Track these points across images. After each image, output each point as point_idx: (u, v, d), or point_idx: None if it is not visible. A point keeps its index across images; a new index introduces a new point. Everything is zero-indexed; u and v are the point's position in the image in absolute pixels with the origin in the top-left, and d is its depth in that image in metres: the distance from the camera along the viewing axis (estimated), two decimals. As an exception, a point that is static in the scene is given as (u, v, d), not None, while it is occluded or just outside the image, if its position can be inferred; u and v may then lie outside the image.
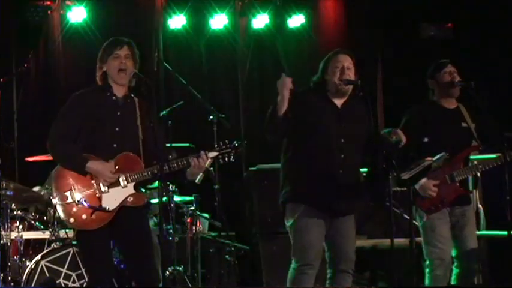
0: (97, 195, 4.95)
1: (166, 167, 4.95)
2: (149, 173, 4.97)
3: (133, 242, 5.04)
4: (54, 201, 4.97)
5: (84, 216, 4.93)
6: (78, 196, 4.93)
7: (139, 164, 5.01)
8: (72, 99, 5.09)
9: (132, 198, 4.99)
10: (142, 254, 5.03)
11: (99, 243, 5.01)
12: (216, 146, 5.12)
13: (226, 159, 5.12)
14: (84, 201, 4.92)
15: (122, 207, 4.97)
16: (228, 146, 5.12)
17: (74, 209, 4.93)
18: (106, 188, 4.95)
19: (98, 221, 4.94)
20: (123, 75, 5.03)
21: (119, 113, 5.05)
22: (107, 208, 4.93)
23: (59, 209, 5.00)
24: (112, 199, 4.95)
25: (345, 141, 5.24)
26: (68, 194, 4.94)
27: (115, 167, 4.96)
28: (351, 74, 5.25)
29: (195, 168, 5.04)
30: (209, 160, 5.09)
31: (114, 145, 5.00)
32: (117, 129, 5.01)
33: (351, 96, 5.32)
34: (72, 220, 4.95)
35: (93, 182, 4.96)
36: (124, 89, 5.10)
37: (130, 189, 4.98)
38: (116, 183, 4.97)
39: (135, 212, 5.02)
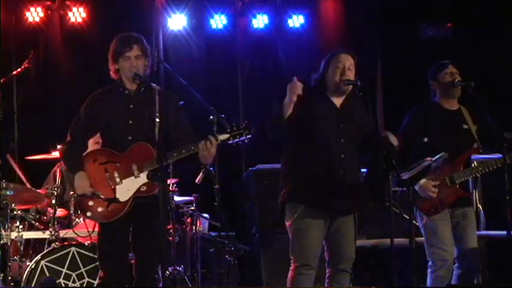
0: (111, 187, 5.03)
1: (176, 154, 5.00)
2: (159, 162, 4.96)
3: (141, 237, 5.09)
4: (71, 196, 5.03)
5: (100, 209, 5.02)
6: (93, 189, 5.01)
7: (151, 153, 5.04)
8: (87, 101, 5.22)
9: (145, 187, 5.05)
10: (146, 249, 5.07)
11: (119, 236, 5.08)
12: (227, 129, 5.12)
13: (240, 142, 5.12)
14: (99, 194, 5.00)
15: (139, 199, 5.03)
16: (240, 127, 5.11)
17: (90, 203, 5.03)
18: (119, 180, 5.04)
19: (114, 213, 5.02)
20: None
21: (131, 106, 5.14)
22: (118, 199, 5.00)
23: (77, 204, 5.13)
24: (125, 190, 5.03)
25: (344, 141, 5.23)
26: None
27: (128, 157, 5.04)
28: (351, 75, 5.25)
29: (204, 151, 5.03)
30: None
31: (129, 137, 5.09)
32: (130, 122, 5.11)
33: (350, 95, 5.32)
34: (89, 214, 5.06)
35: (107, 174, 5.05)
36: (136, 82, 5.15)
37: (143, 178, 5.04)
38: (129, 174, 5.04)
39: (150, 206, 5.01)
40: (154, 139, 4.96)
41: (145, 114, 5.04)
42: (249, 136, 5.10)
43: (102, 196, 5.00)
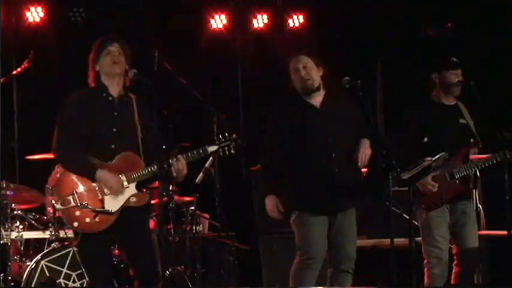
0: (99, 197, 4.93)
1: (166, 166, 4.94)
2: (149, 170, 4.96)
3: (135, 242, 5.04)
4: (57, 206, 4.95)
5: (87, 220, 4.91)
6: (80, 200, 4.92)
7: (140, 163, 5.00)
8: (69, 102, 5.07)
9: (134, 198, 4.99)
10: (143, 252, 5.03)
11: (102, 247, 5.02)
12: (215, 140, 5.13)
13: (227, 152, 5.14)
14: (87, 204, 4.91)
15: (124, 208, 4.96)
16: (227, 138, 5.13)
17: (77, 213, 4.92)
18: (107, 190, 4.94)
19: (101, 224, 4.93)
20: (117, 66, 5.02)
21: (116, 114, 5.04)
22: (110, 210, 4.92)
23: (62, 214, 4.98)
24: (114, 200, 4.94)
25: (332, 139, 5.26)
26: (70, 198, 4.92)
27: (116, 168, 4.95)
28: (310, 72, 5.27)
29: (176, 171, 5.02)
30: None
31: (112, 146, 4.98)
32: (114, 129, 5.00)
33: (328, 93, 5.34)
34: (76, 224, 4.93)
35: (94, 184, 4.94)
36: (119, 88, 5.08)
37: (132, 189, 4.98)
38: None
39: (136, 213, 5.02)
40: (144, 148, 4.98)
41: (129, 123, 5.01)
42: (233, 151, 5.15)
43: (90, 207, 4.90)
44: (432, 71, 5.82)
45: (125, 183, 4.96)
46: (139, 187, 5.00)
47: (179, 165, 4.99)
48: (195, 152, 5.08)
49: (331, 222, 5.27)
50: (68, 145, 4.97)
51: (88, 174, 4.92)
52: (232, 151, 5.16)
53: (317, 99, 5.33)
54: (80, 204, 4.91)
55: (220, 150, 5.14)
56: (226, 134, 5.16)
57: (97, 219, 4.92)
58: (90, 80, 5.10)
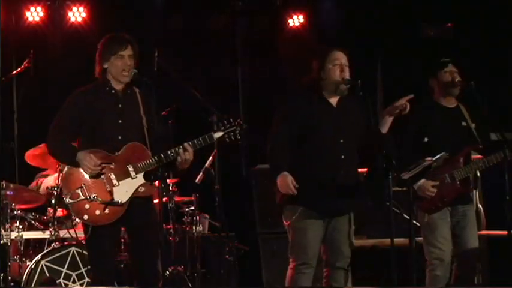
0: (108, 189, 4.97)
1: (172, 154, 4.98)
2: (156, 160, 4.97)
3: (139, 237, 5.07)
4: (65, 200, 4.96)
5: (97, 212, 4.95)
6: (89, 192, 4.94)
7: (146, 152, 5.03)
8: (72, 96, 5.16)
9: (143, 188, 5.02)
10: (144, 251, 5.05)
11: (110, 243, 5.06)
12: (220, 126, 5.11)
13: (233, 137, 5.12)
14: (96, 197, 4.93)
15: (133, 199, 4.98)
16: (232, 124, 5.11)
17: (87, 206, 4.95)
18: (116, 182, 4.97)
19: (111, 215, 4.96)
20: (126, 74, 5.07)
21: (120, 105, 5.10)
22: (120, 201, 4.94)
23: (72, 208, 5.01)
24: (123, 191, 4.97)
25: (343, 141, 5.24)
26: (78, 191, 4.96)
27: (123, 158, 4.98)
28: (347, 72, 5.26)
29: (182, 159, 5.03)
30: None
31: (119, 137, 5.04)
32: (120, 121, 5.06)
33: (344, 94, 5.32)
34: (86, 217, 4.96)
35: (102, 176, 4.98)
36: (122, 83, 5.14)
37: (140, 179, 5.01)
38: (126, 175, 4.99)
39: (145, 205, 5.04)
40: (150, 139, 5.00)
41: (134, 114, 5.06)
42: (239, 136, 5.11)
43: (99, 199, 4.93)
44: (428, 76, 5.82)
45: (133, 173, 4.98)
46: (147, 177, 5.01)
47: (186, 154, 5.00)
48: (201, 139, 5.08)
49: (329, 223, 5.27)
50: (56, 132, 5.06)
51: (70, 159, 4.97)
52: (238, 136, 5.13)
53: (335, 99, 5.31)
54: (89, 197, 4.93)
55: (226, 136, 5.12)
56: (231, 120, 5.14)
57: (107, 211, 4.95)
58: (96, 72, 5.17)
